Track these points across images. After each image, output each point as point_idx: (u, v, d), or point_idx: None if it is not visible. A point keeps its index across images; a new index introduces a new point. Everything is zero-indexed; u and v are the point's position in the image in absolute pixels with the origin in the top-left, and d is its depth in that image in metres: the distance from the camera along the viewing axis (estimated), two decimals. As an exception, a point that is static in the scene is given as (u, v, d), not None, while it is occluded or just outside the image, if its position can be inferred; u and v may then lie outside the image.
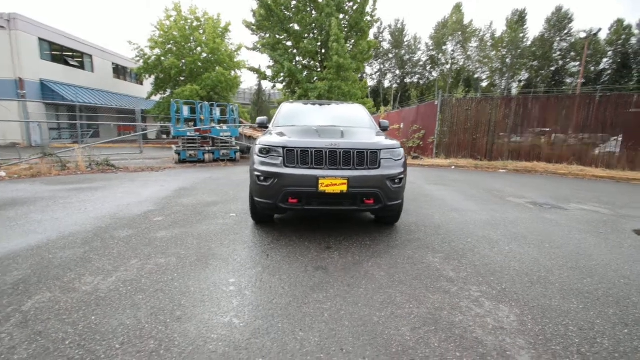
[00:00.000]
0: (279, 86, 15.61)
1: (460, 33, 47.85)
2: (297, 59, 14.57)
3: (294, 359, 1.69)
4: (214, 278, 2.57)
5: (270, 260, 2.95)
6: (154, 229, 3.74)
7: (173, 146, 11.93)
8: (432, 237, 3.73)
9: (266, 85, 43.03)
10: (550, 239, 3.77)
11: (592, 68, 45.04)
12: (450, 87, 47.50)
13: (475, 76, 50.67)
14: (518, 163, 11.76)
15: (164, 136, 24.52)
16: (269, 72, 14.71)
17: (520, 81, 49.87)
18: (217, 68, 19.28)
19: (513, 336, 1.94)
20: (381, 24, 50.02)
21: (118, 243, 3.27)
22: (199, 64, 19.77)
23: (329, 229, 3.91)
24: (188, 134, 10.66)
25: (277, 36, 13.75)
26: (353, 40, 14.09)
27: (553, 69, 47.52)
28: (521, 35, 46.83)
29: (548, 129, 12.52)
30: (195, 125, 11.39)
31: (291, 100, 5.55)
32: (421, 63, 50.99)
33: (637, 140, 10.78)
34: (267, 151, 3.49)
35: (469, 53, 49.01)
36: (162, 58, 18.78)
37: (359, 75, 16.07)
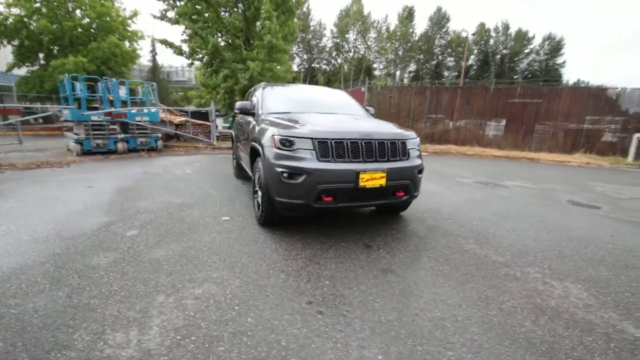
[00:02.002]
0: (198, 64, 13.77)
1: (360, 23, 50.73)
2: (218, 34, 13.03)
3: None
4: (287, 303, 2.09)
5: (325, 269, 2.57)
6: (141, 248, 2.84)
7: (67, 134, 9.41)
8: (443, 222, 3.87)
9: (163, 61, 37.86)
10: (528, 215, 4.35)
11: (463, 63, 53.82)
12: (353, 75, 50.33)
13: (374, 65, 54.90)
14: (435, 146, 13.31)
15: (32, 120, 19.14)
16: (185, 47, 12.78)
17: (410, 72, 56.26)
18: (107, 38, 15.79)
19: (604, 310, 2.14)
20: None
21: (108, 275, 2.37)
22: (80, 30, 15.87)
23: (343, 225, 3.66)
24: (93, 118, 8.52)
25: (197, 6, 11.94)
26: (279, 20, 13.31)
27: (435, 62, 55.01)
28: (410, 30, 52.49)
29: (441, 116, 14.47)
30: (99, 107, 9.19)
31: (264, 84, 4.91)
32: (327, 49, 52.40)
33: (518, 125, 13.40)
34: (290, 143, 3.00)
35: (368, 43, 52.56)
36: (26, 20, 14.30)
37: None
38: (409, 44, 52.74)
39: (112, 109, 8.74)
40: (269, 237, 3.19)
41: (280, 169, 2.97)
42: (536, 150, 12.82)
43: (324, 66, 53.89)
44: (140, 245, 2.91)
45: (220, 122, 14.43)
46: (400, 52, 53.69)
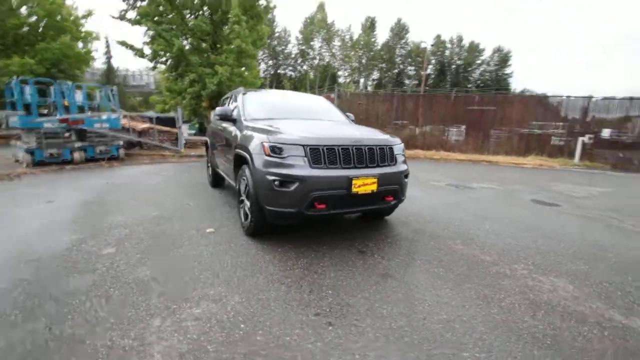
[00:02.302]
0: (161, 67, 13.12)
1: (325, 31, 51.59)
2: (183, 37, 12.55)
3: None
4: (294, 317, 2.02)
5: (325, 278, 2.52)
6: (123, 268, 2.61)
7: (17, 143, 8.51)
8: (427, 225, 3.98)
9: (119, 64, 36.02)
10: (501, 215, 4.61)
11: (423, 73, 56.43)
12: (319, 81, 50.89)
13: (339, 73, 55.98)
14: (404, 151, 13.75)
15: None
16: (147, 50, 12.11)
17: (373, 80, 58.02)
18: (58, 38, 14.59)
19: (590, 301, 2.31)
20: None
21: (90, 300, 2.13)
22: (26, 29, 14.55)
23: (333, 232, 3.64)
24: (46, 125, 7.79)
25: (160, 7, 11.41)
26: (248, 25, 13.13)
27: (396, 71, 57.25)
28: (373, 39, 54.30)
29: (407, 122, 15.09)
30: (52, 113, 8.43)
31: (243, 90, 4.79)
32: (292, 56, 52.59)
33: (477, 130, 14.26)
34: (280, 150, 2.93)
35: (333, 51, 53.53)
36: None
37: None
38: (372, 53, 54.48)
39: (69, 115, 8.05)
40: (260, 248, 3.08)
41: (271, 177, 2.88)
42: (494, 153, 13.72)
43: (290, 72, 54.00)
44: (121, 264, 2.67)
45: (185, 129, 13.87)
46: (363, 61, 55.26)
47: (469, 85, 51.84)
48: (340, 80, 55.28)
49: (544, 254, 3.15)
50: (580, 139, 11.78)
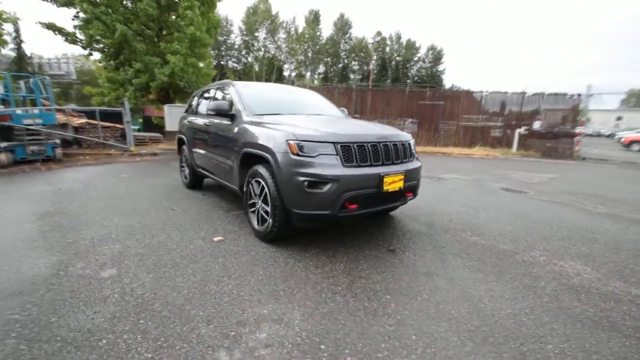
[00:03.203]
0: (97, 55, 11.44)
1: (269, 22, 50.27)
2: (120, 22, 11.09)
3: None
4: (371, 329, 1.88)
5: (374, 282, 2.41)
6: (140, 292, 2.18)
7: None
8: (432, 218, 4.08)
9: (33, 49, 31.16)
10: (485, 203, 4.92)
11: (365, 67, 58.30)
12: (265, 74, 49.59)
13: (285, 66, 55.18)
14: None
15: None
16: (80, 35, 10.43)
17: (319, 74, 58.36)
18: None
19: (612, 281, 2.54)
20: None
21: (122, 338, 1.73)
22: None
23: (349, 232, 3.52)
24: (-43, 122, 6.32)
25: (97, -15, 9.88)
26: (200, 11, 12.11)
27: (341, 65, 58.32)
28: (317, 33, 54.45)
29: (364, 115, 15.54)
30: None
31: (228, 82, 4.34)
32: (236, 46, 50.38)
33: (428, 123, 15.16)
34: (309, 148, 2.72)
35: (278, 43, 52.50)
36: None
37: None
38: (317, 47, 54.67)
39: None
40: (287, 255, 2.84)
41: (302, 178, 2.66)
42: (444, 145, 14.74)
43: (234, 64, 51.71)
44: (135, 288, 2.24)
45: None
46: (309, 54, 55.21)
47: (408, 81, 54.96)
48: (286, 73, 54.57)
49: (547, 240, 3.42)
50: (517, 130, 13.21)
